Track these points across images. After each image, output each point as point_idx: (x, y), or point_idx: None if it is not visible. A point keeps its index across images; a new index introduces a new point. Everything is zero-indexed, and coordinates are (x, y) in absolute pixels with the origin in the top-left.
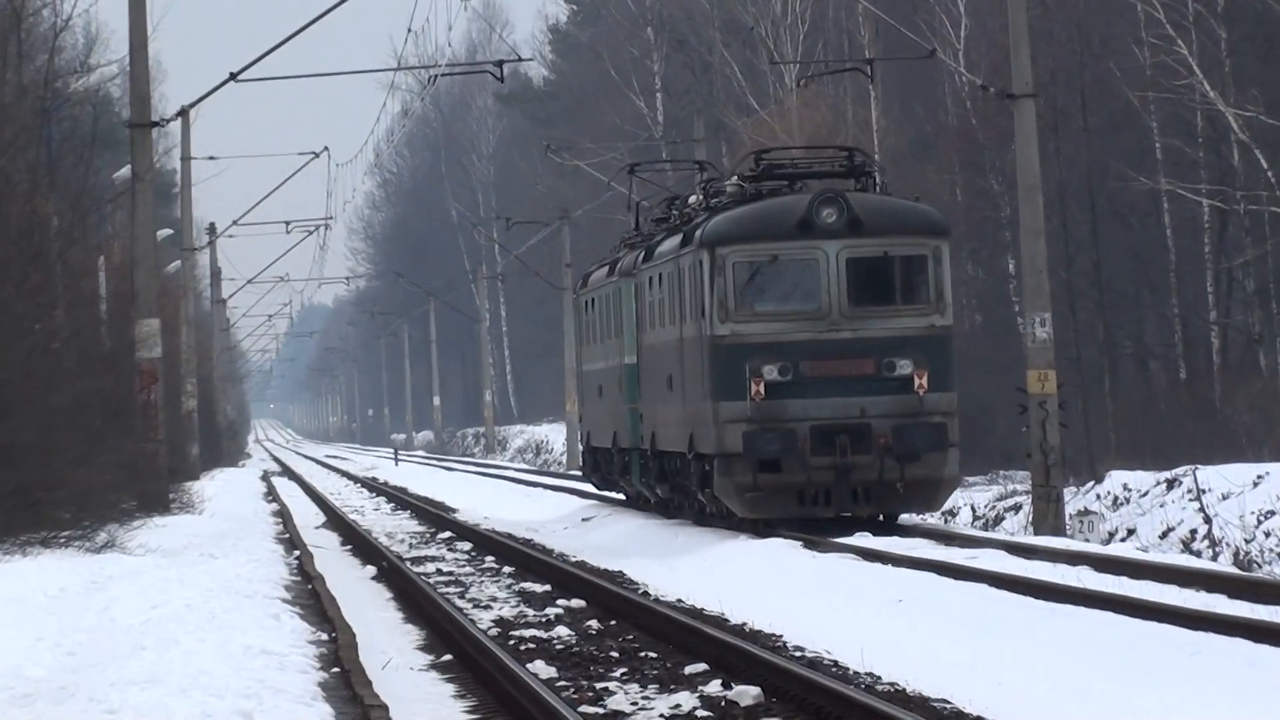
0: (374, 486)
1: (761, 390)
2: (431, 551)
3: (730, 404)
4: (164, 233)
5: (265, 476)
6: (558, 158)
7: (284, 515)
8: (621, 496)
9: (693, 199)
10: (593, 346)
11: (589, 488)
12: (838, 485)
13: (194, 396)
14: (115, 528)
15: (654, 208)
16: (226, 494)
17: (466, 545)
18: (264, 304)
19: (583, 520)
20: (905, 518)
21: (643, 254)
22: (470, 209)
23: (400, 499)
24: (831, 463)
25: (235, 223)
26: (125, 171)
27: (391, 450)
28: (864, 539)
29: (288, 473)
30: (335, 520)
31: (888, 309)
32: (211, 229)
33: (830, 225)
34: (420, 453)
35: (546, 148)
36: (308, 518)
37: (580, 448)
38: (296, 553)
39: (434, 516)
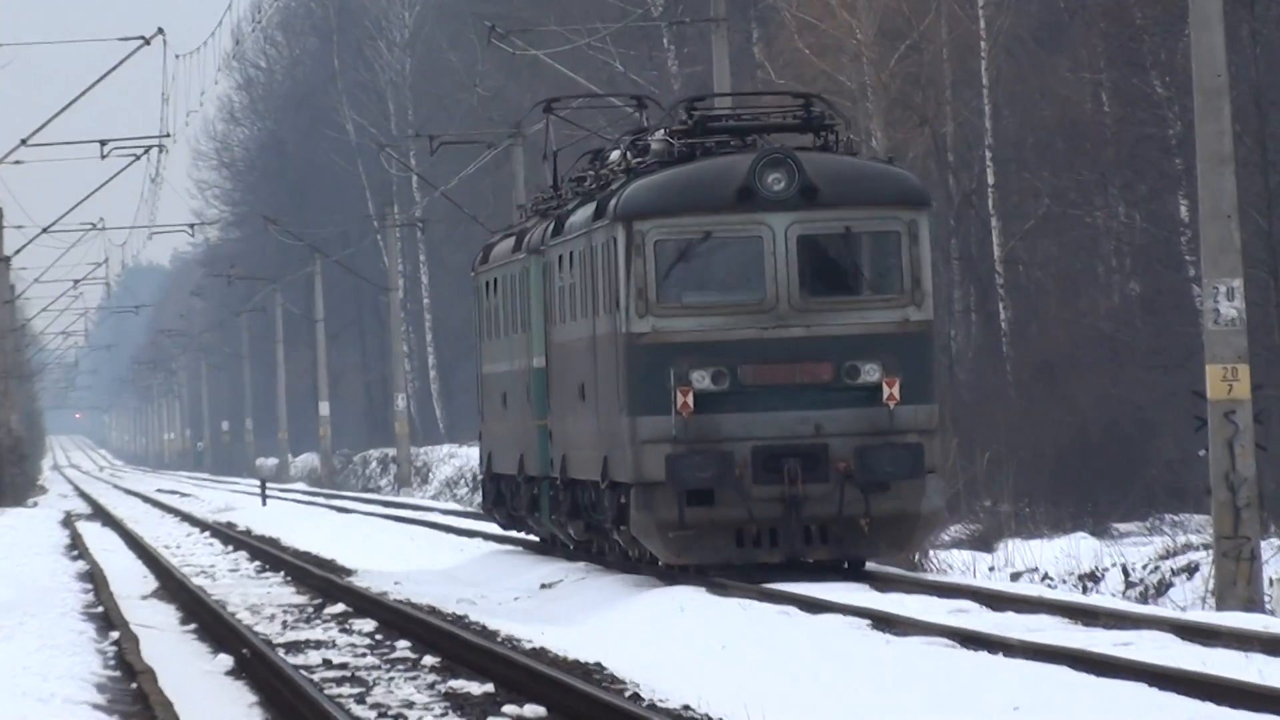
0: (230, 536)
1: (690, 402)
2: (317, 634)
3: (650, 419)
4: None
5: (68, 521)
6: (506, 46)
7: (96, 578)
8: (531, 538)
9: (614, 154)
10: (495, 342)
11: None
12: (786, 522)
13: None
14: None
15: (576, 161)
16: (9, 547)
17: (368, 624)
18: (68, 264)
19: (542, 587)
20: (998, 580)
21: (552, 225)
22: (377, 123)
23: (270, 555)
24: (778, 493)
25: (25, 142)
26: None
27: (257, 483)
28: (960, 613)
29: (101, 515)
30: (173, 586)
31: (850, 300)
32: None
33: (778, 194)
34: (300, 486)
35: (490, 31)
36: (132, 582)
37: (480, 475)
38: (115, 634)
39: (320, 581)
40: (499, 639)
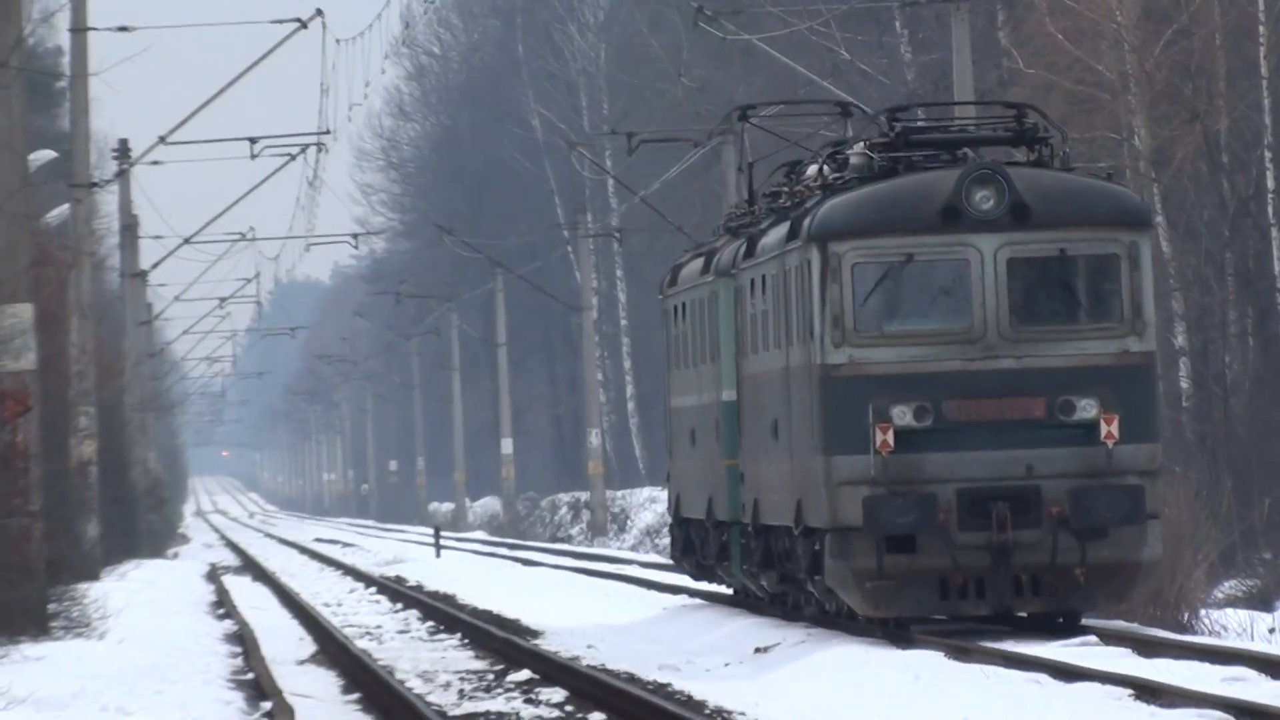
0: (400, 592)
1: (890, 440)
2: (498, 704)
3: (847, 459)
4: (42, 155)
5: (213, 574)
6: (716, 30)
7: (245, 640)
8: (726, 590)
9: (811, 169)
10: (683, 373)
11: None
12: (994, 572)
13: (92, 437)
14: None
15: (771, 174)
16: (147, 604)
17: (557, 693)
18: (214, 279)
19: (756, 651)
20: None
21: (744, 245)
22: (567, 118)
23: (445, 614)
24: (986, 540)
25: (164, 139)
26: None
27: (430, 531)
28: (1235, 682)
29: (251, 568)
30: (333, 649)
31: (1065, 329)
32: (123, 150)
33: (986, 213)
34: (479, 535)
35: (697, 13)
36: (286, 645)
37: (669, 519)
38: (267, 705)
39: (502, 644)
40: (707, 711)
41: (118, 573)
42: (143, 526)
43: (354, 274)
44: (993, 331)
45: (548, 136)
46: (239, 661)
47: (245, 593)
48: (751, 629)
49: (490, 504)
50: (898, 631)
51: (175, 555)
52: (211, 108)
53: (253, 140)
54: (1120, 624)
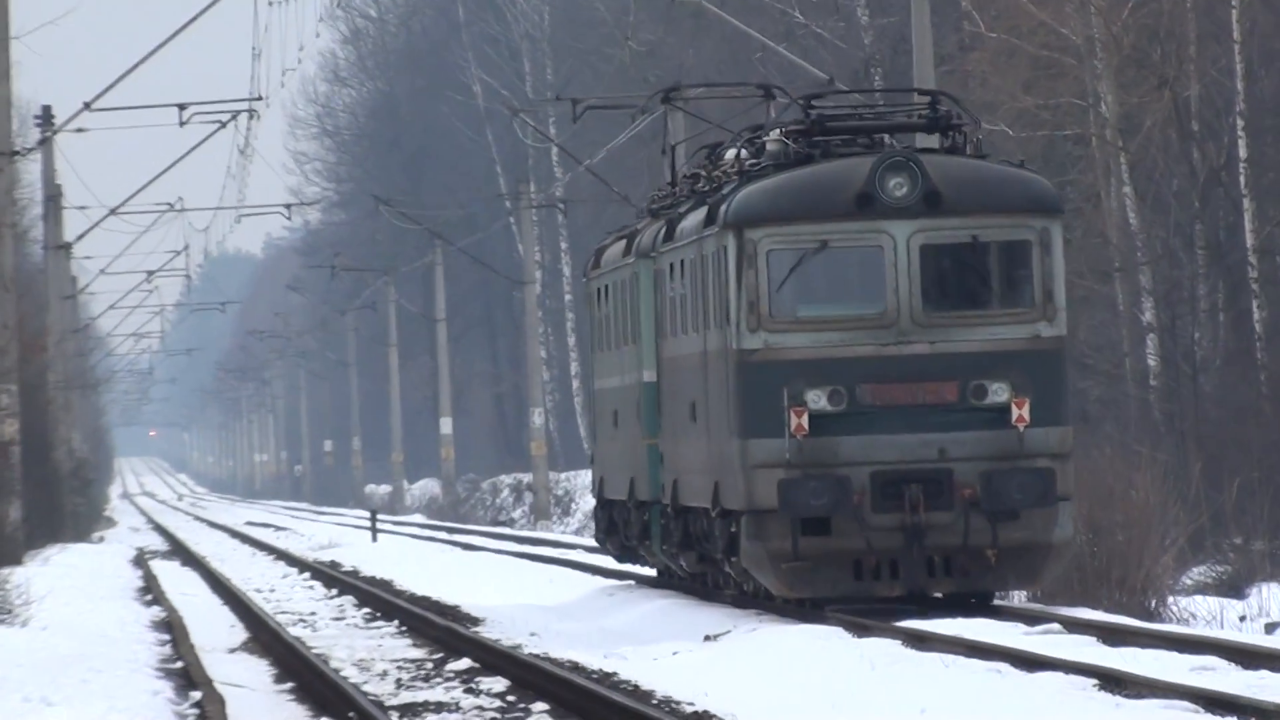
0: (334, 578)
1: (805, 424)
2: (437, 694)
3: (762, 442)
4: None
5: (141, 559)
6: None
7: (174, 627)
8: (650, 571)
9: (729, 153)
10: (606, 355)
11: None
12: (907, 553)
13: (14, 416)
14: None
15: (692, 156)
16: (72, 590)
17: (498, 683)
18: (141, 252)
19: (706, 639)
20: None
21: (664, 228)
22: (510, 84)
23: (382, 600)
24: (899, 522)
25: (89, 106)
26: None
27: (366, 514)
28: (1204, 672)
29: (180, 553)
30: (265, 637)
31: (977, 314)
32: (46, 117)
33: (900, 200)
34: (417, 519)
35: None
36: (217, 632)
37: (594, 501)
38: (196, 695)
39: (442, 632)
40: (654, 700)
41: (41, 557)
42: (67, 509)
43: (287, 246)
44: (906, 317)
45: (489, 103)
46: (167, 649)
47: (174, 578)
48: (701, 616)
49: (429, 486)
50: (813, 611)
51: (101, 539)
52: (138, 73)
53: (181, 107)
54: (1085, 612)
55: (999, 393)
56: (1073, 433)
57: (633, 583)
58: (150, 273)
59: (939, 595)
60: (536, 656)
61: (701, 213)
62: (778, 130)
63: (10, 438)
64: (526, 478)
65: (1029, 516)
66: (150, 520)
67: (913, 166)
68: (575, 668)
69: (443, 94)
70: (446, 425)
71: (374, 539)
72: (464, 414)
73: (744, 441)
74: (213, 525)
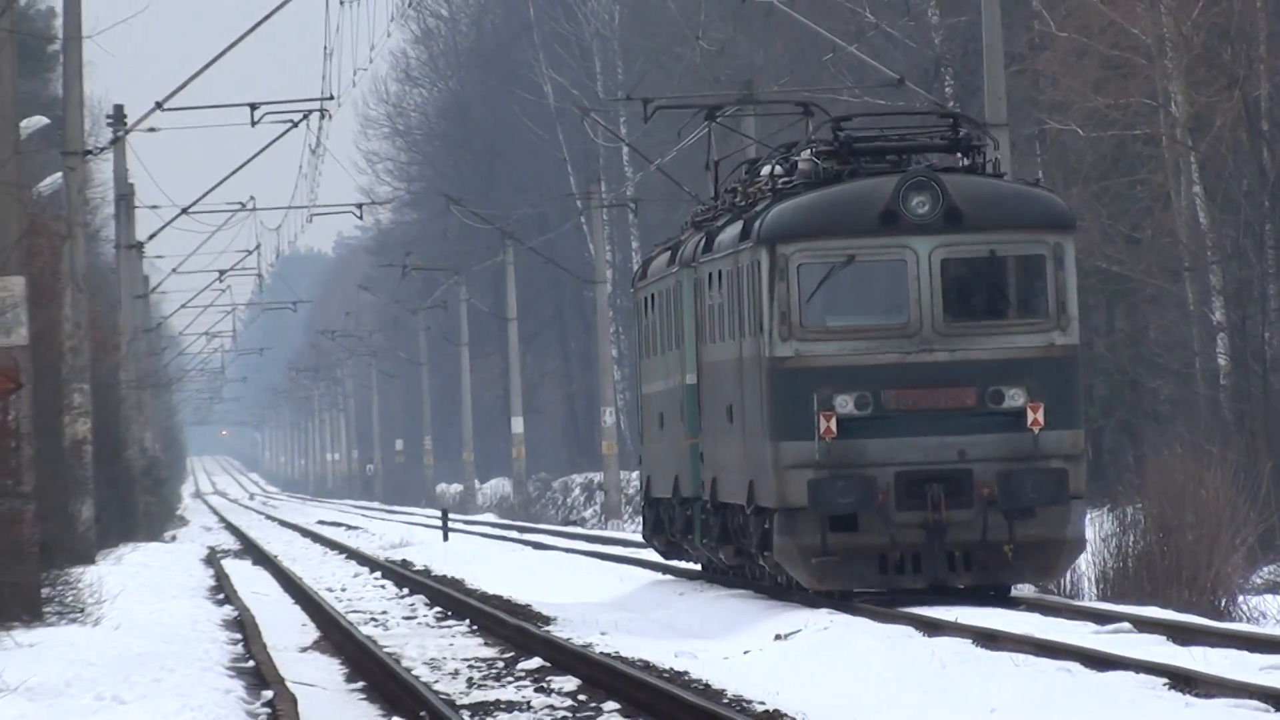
0: (406, 577)
1: (833, 427)
2: (508, 693)
3: (793, 444)
4: (34, 122)
5: (213, 558)
6: None
7: (246, 627)
8: (695, 566)
9: (765, 170)
10: (652, 361)
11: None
12: (929, 548)
13: (86, 415)
14: None
15: (733, 171)
16: (144, 589)
17: (569, 682)
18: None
19: (777, 638)
20: None
21: (703, 240)
22: (580, 84)
23: (453, 599)
24: (921, 519)
25: (161, 105)
26: None
27: (437, 514)
28: (1275, 671)
29: (252, 552)
30: (337, 636)
31: (995, 324)
32: (118, 116)
33: (922, 217)
34: (488, 518)
35: None
36: (288, 632)
37: (640, 499)
38: (268, 694)
39: (513, 631)
40: (725, 700)
41: (113, 556)
42: (139, 508)
43: (359, 246)
44: (928, 326)
45: (560, 102)
46: (239, 648)
47: (245, 577)
48: (772, 614)
49: (500, 485)
50: (885, 610)
51: (173, 538)
52: (210, 72)
53: (253, 106)
54: (1155, 611)
55: (1015, 398)
56: (1084, 435)
57: (703, 582)
58: (222, 272)
59: (960, 587)
60: (607, 655)
61: (737, 227)
62: (808, 150)
63: (83, 437)
64: (597, 477)
65: (1044, 514)
66: (222, 519)
67: (934, 185)
68: (646, 666)
69: (513, 93)
70: (518, 424)
71: (445, 538)
72: (535, 413)
73: (776, 444)
74: (284, 524)
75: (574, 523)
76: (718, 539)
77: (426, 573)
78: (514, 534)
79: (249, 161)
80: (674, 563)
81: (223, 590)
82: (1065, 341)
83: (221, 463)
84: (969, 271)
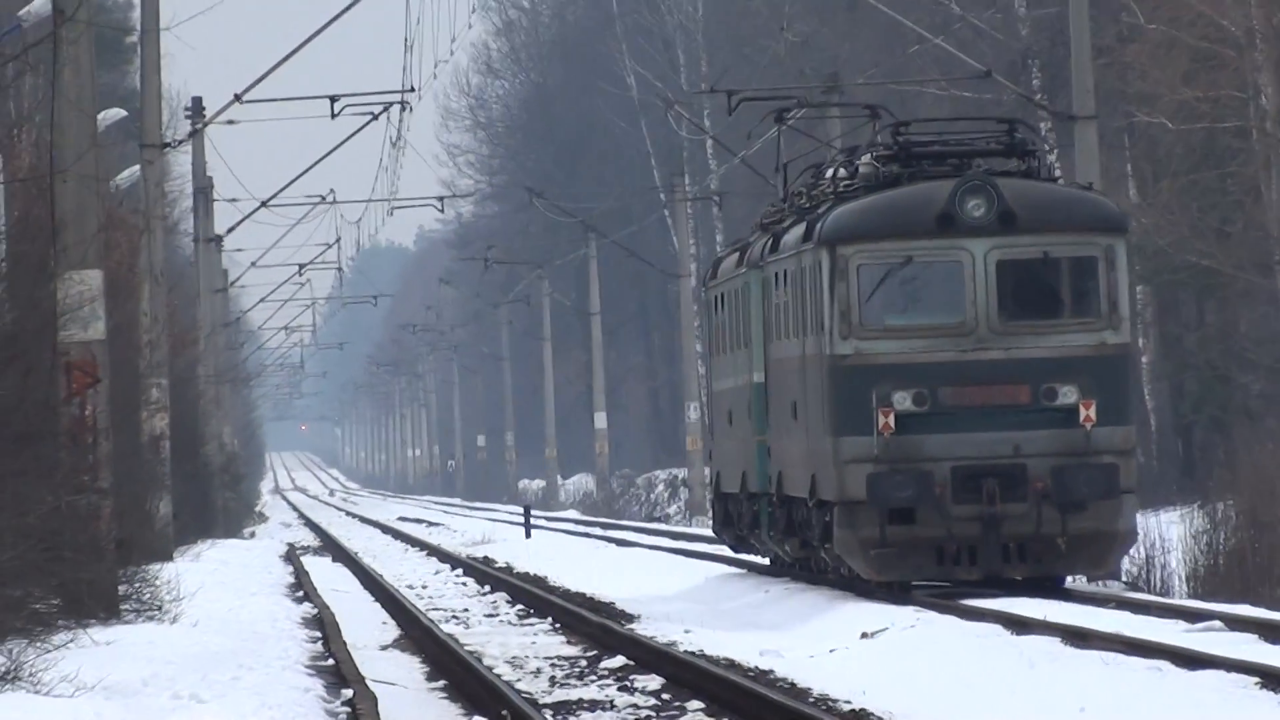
0: (488, 574)
1: (891, 423)
2: (591, 692)
3: (853, 439)
4: (112, 114)
5: (292, 555)
6: None
7: (325, 624)
8: (763, 560)
9: (829, 172)
10: (722, 359)
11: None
12: (985, 540)
13: (165, 410)
14: (21, 646)
15: (800, 175)
16: (222, 586)
17: (653, 680)
18: (291, 245)
19: (863, 636)
20: None
21: (770, 241)
22: (664, 76)
23: (535, 597)
24: (977, 512)
25: (240, 98)
26: (41, 4)
27: (519, 510)
28: None
29: (332, 549)
30: (417, 634)
31: (1048, 323)
32: (197, 109)
33: (977, 220)
34: (571, 514)
35: None
36: (368, 629)
37: (709, 494)
38: (348, 693)
39: (596, 629)
40: (811, 699)
41: (191, 553)
42: (218, 504)
43: (440, 239)
44: (983, 326)
45: (643, 95)
46: (318, 647)
47: (325, 574)
48: (857, 611)
49: (583, 481)
50: (971, 609)
51: (252, 535)
52: (290, 64)
53: (333, 99)
54: (1246, 609)
55: (1068, 395)
56: (1135, 432)
57: (789, 579)
58: (302, 265)
59: (1016, 579)
60: (691, 654)
61: (801, 228)
62: (869, 154)
63: (161, 432)
64: (682, 473)
65: (1096, 508)
66: (301, 515)
67: (989, 189)
68: (730, 665)
69: (596, 86)
70: (601, 420)
71: (527, 535)
72: (618, 408)
73: (837, 439)
74: (364, 521)
75: (657, 519)
76: (783, 532)
77: (508, 570)
78: (597, 531)
79: (329, 154)
80: (743, 556)
81: (302, 587)
82: (1117, 340)
83: (301, 458)
84: (1023, 272)
